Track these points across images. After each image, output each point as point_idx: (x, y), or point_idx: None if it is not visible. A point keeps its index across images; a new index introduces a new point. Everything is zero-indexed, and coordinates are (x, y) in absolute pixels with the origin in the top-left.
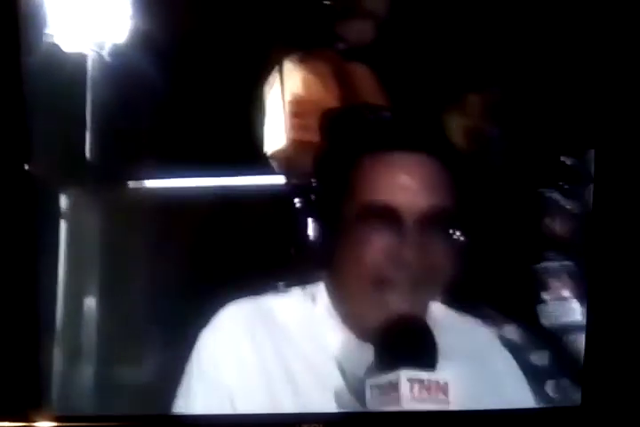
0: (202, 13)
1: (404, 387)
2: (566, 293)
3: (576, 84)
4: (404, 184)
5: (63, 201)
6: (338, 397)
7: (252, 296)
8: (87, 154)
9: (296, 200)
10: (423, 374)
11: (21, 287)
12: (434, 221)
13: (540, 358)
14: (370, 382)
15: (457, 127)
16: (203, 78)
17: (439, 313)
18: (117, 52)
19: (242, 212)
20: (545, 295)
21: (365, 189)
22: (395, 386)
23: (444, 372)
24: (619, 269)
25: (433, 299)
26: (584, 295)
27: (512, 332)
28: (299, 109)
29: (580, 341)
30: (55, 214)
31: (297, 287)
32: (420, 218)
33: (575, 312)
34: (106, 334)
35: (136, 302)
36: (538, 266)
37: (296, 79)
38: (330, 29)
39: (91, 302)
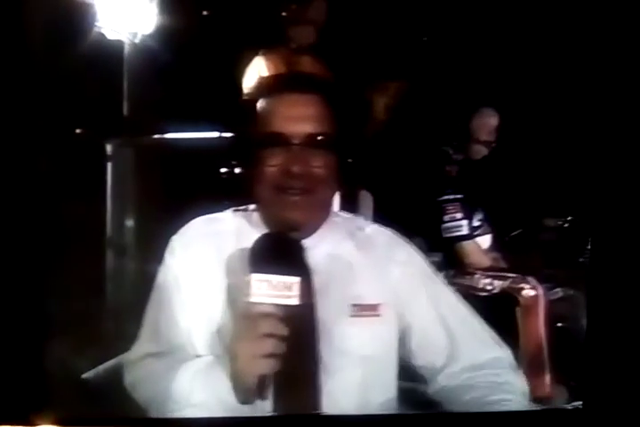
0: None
1: (254, 286)
2: (458, 215)
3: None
4: (291, 116)
5: (108, 148)
6: None
7: (207, 215)
8: (124, 115)
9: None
10: (271, 277)
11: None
12: (315, 143)
13: (436, 257)
14: (250, 277)
15: (379, 103)
16: (206, 62)
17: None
18: (146, 41)
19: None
20: (444, 217)
21: (265, 124)
22: (249, 284)
23: (293, 276)
24: (620, 273)
25: (322, 206)
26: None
27: (421, 242)
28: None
29: (461, 246)
30: (103, 158)
31: (239, 208)
32: (303, 140)
33: (463, 228)
34: (140, 241)
35: (153, 217)
36: (440, 198)
37: (261, 66)
38: (284, 33)
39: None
